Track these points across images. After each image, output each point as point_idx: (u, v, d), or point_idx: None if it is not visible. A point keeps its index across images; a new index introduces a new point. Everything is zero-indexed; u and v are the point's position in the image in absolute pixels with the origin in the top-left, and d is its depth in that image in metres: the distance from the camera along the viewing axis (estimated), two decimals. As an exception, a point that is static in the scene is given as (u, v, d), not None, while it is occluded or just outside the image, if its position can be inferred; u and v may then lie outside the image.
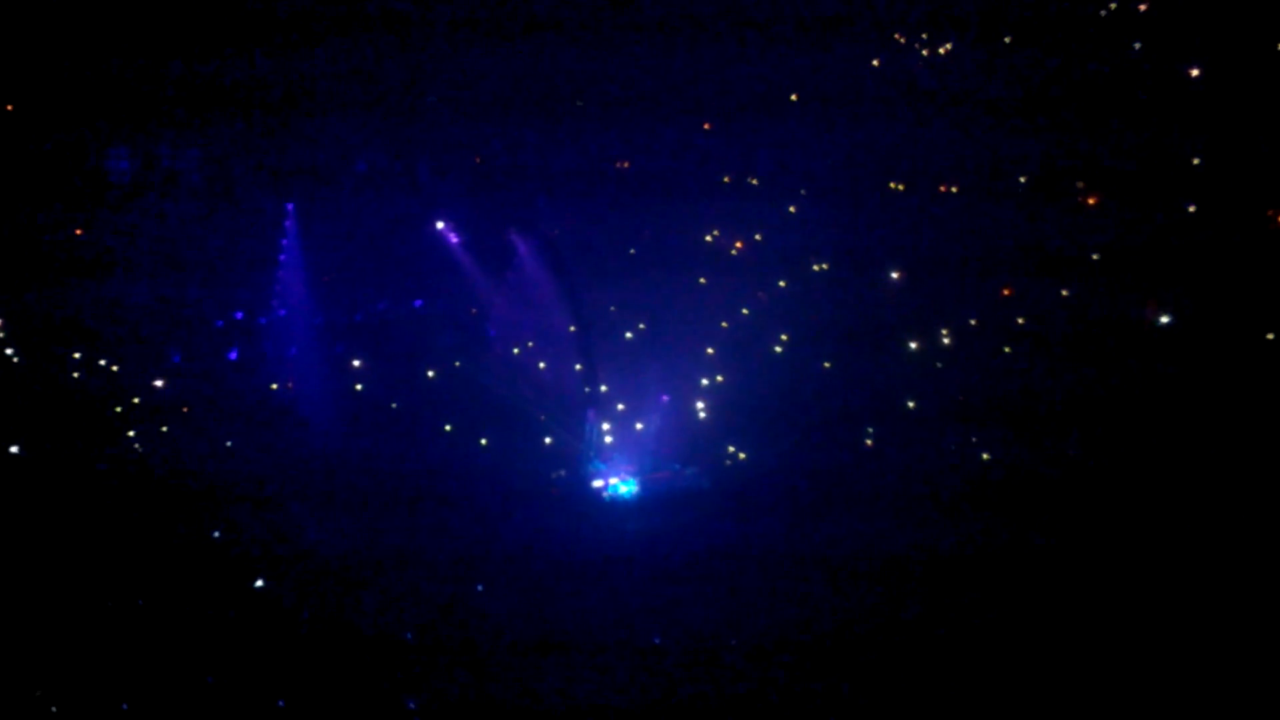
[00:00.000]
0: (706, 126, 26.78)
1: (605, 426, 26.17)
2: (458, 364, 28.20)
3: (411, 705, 15.53)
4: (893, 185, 24.53)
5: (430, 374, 27.68)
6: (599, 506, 24.57)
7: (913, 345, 23.92)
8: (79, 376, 23.83)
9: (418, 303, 28.43)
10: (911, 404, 23.81)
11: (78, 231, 23.67)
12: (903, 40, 24.26)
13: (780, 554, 20.21)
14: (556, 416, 26.61)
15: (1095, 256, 22.03)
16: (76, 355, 23.99)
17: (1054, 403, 21.42)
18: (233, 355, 26.41)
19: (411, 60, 23.72)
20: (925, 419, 23.63)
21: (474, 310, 29.05)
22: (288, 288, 26.61)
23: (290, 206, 25.84)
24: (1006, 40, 22.69)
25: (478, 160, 27.10)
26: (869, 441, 24.19)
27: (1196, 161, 21.01)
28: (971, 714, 15.30)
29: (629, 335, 27.61)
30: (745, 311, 26.68)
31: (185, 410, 24.62)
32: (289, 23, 22.31)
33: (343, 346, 27.40)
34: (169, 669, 15.96)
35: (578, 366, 27.24)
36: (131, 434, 23.79)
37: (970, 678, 15.74)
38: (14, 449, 22.13)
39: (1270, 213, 20.38)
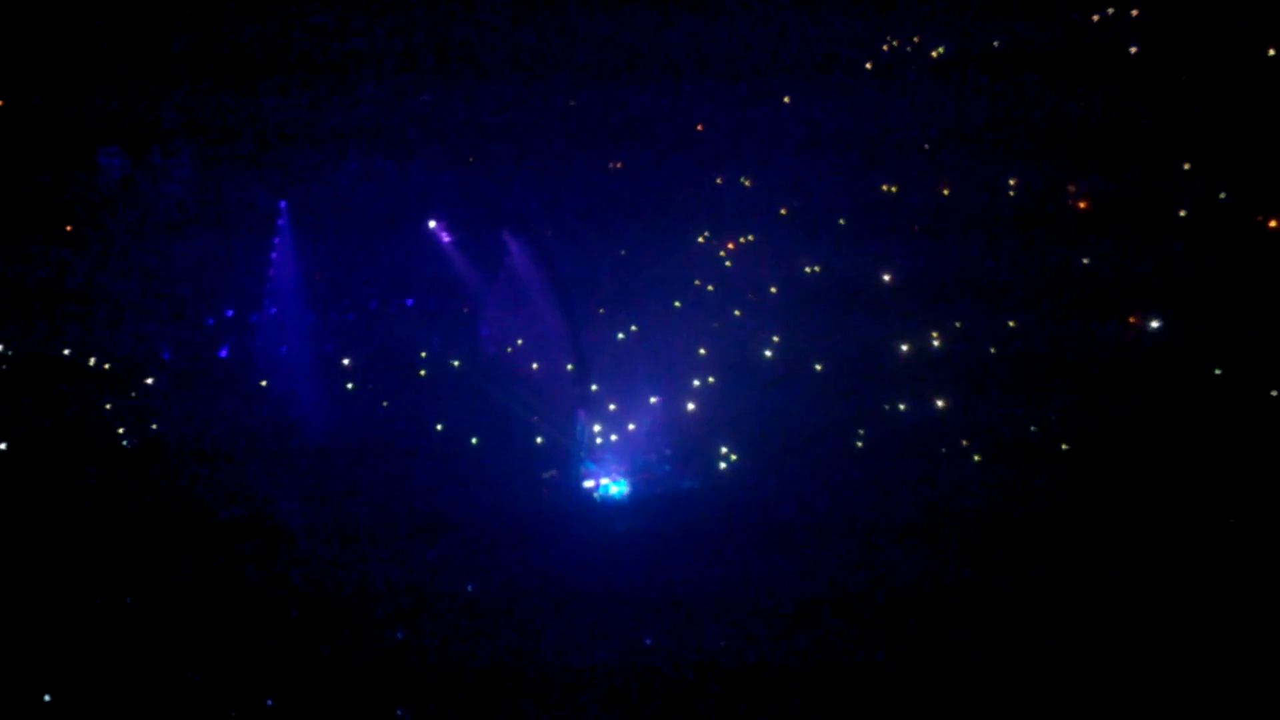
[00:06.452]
0: (699, 128, 26.83)
1: (596, 427, 26.20)
2: (449, 363, 28.20)
3: (400, 713, 15.51)
4: (884, 188, 24.56)
5: (421, 373, 27.67)
6: (590, 506, 24.62)
7: (903, 347, 23.93)
8: (70, 374, 23.76)
9: (409, 301, 28.38)
10: (902, 406, 23.83)
11: (68, 228, 23.60)
12: (895, 43, 24.31)
13: (770, 554, 20.26)
14: (548, 416, 26.60)
15: (1086, 260, 22.08)
16: (66, 351, 23.93)
17: (1044, 406, 21.46)
18: (223, 353, 26.36)
19: (404, 59, 23.69)
20: (915, 421, 23.66)
21: (466, 309, 29.06)
22: (279, 285, 26.55)
23: (283, 204, 25.79)
24: (997, 45, 22.75)
25: (470, 160, 27.09)
26: (859, 443, 24.23)
27: (1187, 166, 21.06)
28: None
29: (620, 336, 27.62)
30: (736, 313, 26.69)
31: (176, 408, 24.56)
32: (282, 21, 22.29)
33: (334, 345, 27.38)
34: (157, 666, 15.96)
35: (569, 366, 27.30)
36: (121, 431, 23.77)
37: (964, 676, 15.81)
38: (3, 446, 22.10)
39: (1261, 218, 20.41)
